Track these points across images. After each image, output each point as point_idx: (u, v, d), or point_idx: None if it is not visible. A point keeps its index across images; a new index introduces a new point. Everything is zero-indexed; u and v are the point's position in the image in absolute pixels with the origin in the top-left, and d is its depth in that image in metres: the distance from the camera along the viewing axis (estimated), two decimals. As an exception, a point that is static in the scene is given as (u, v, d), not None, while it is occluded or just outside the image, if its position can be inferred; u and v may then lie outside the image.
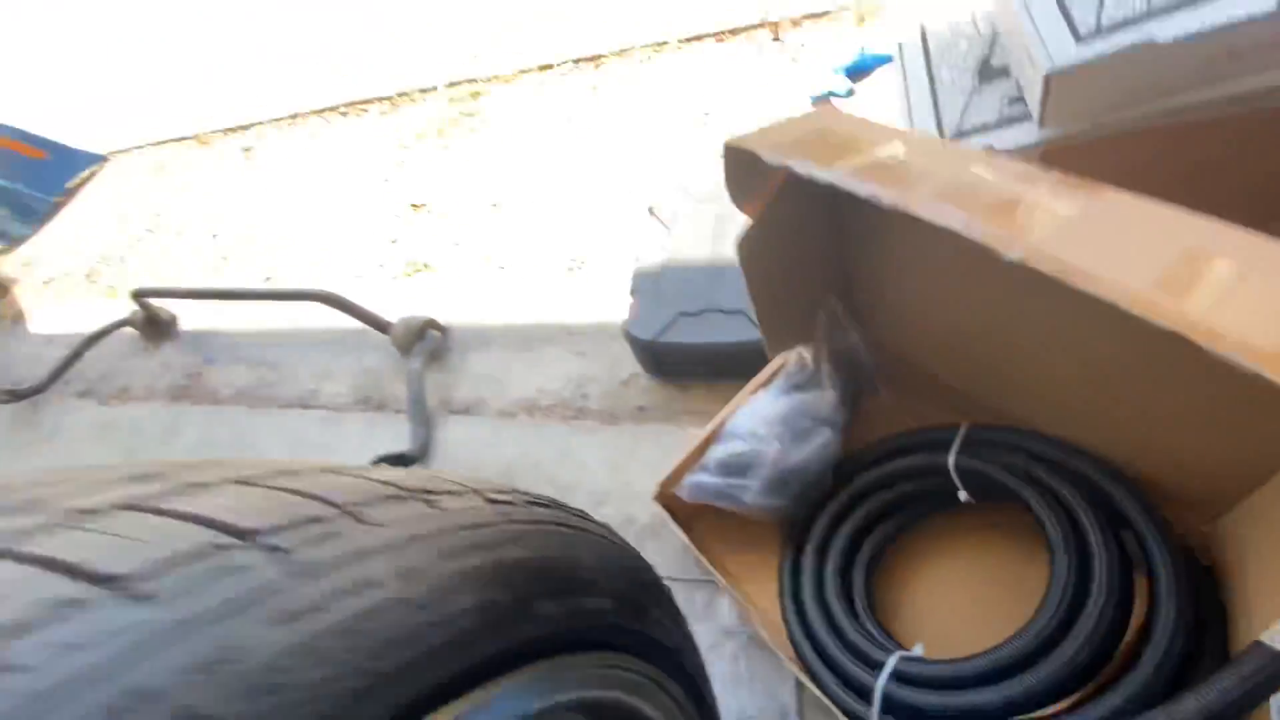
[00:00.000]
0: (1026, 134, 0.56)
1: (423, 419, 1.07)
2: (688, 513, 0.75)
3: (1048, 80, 0.50)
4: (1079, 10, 0.51)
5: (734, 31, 1.55)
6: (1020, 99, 0.57)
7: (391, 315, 1.23)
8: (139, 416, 1.38)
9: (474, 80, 1.82)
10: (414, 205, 1.57)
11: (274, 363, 1.38)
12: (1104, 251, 0.32)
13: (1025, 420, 0.62)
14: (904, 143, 0.45)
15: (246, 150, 2.08)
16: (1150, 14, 0.47)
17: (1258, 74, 0.50)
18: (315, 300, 1.23)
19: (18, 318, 1.92)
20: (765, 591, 0.71)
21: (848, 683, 0.59)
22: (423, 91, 1.88)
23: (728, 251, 0.99)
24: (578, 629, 0.34)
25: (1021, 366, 0.60)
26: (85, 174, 2.39)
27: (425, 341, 1.19)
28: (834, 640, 0.61)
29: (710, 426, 0.73)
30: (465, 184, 1.56)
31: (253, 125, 2.14)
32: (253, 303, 1.41)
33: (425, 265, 1.43)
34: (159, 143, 2.36)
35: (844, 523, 0.69)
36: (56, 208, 2.32)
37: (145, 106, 2.57)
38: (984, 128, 0.59)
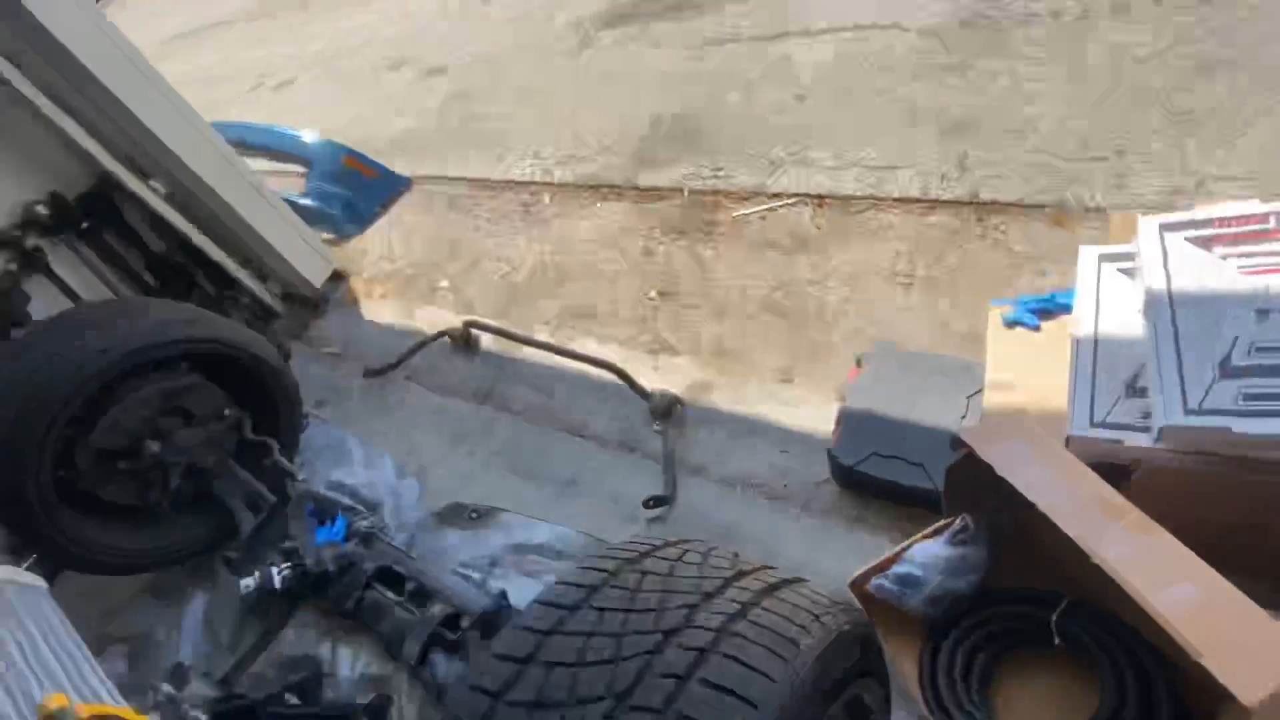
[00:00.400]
0: (1145, 441, 0.92)
1: (672, 471, 1.57)
2: (865, 598, 1.17)
3: (1162, 431, 0.86)
4: (1192, 389, 0.86)
5: (941, 203, 1.92)
6: (1149, 415, 0.93)
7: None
8: (461, 410, 2.00)
9: (715, 193, 2.31)
10: (663, 292, 2.09)
11: (552, 392, 1.94)
12: (1147, 571, 0.70)
13: (1100, 604, 0.98)
14: (1067, 473, 0.85)
15: (525, 206, 2.72)
16: (1239, 413, 0.82)
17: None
18: (604, 368, 1.77)
19: (353, 303, 2.68)
20: (909, 658, 1.12)
21: None
22: (673, 191, 2.40)
23: (916, 414, 1.41)
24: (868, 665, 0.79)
25: (1099, 583, 0.96)
26: (397, 193, 3.17)
27: (673, 413, 1.69)
28: (952, 706, 1.02)
29: (897, 549, 1.15)
30: (705, 285, 2.05)
31: (535, 184, 2.78)
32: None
33: (670, 347, 1.94)
34: (453, 179, 3.08)
35: (972, 634, 1.08)
36: (376, 216, 3.11)
37: (440, 147, 3.33)
38: (1121, 427, 0.95)
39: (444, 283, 2.56)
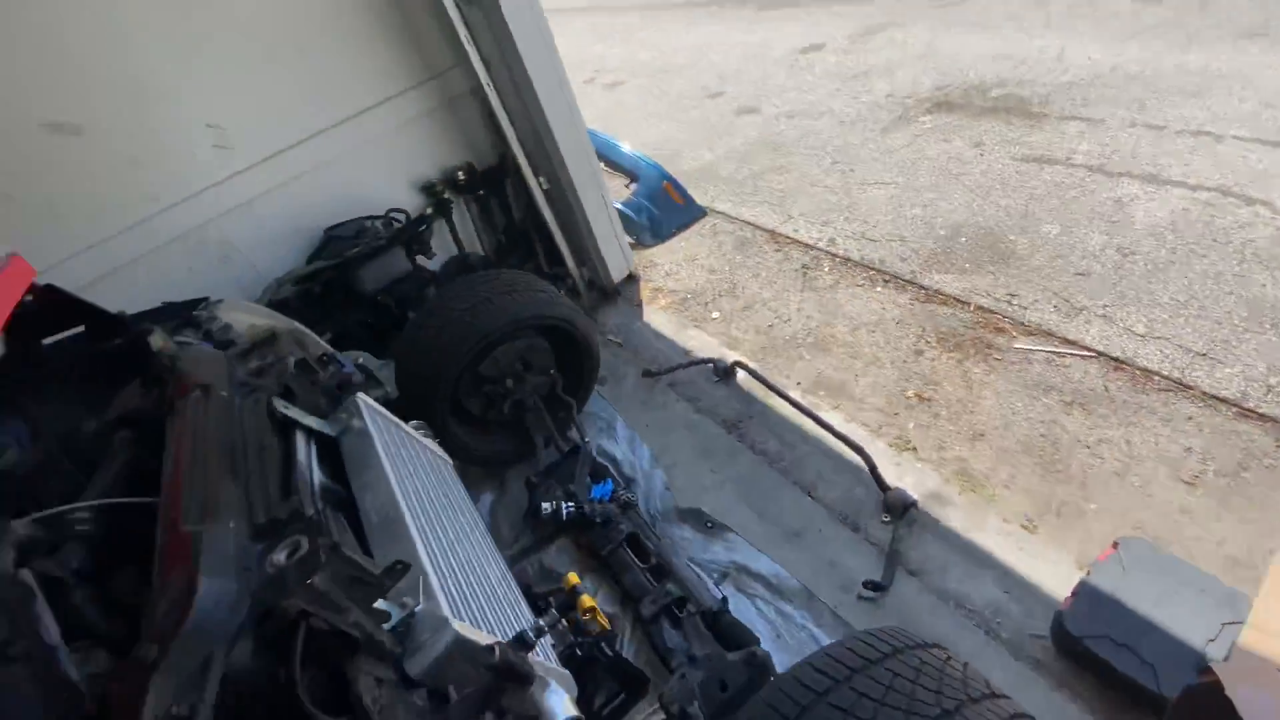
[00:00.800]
0: None
1: (892, 565, 1.77)
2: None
3: None
4: None
5: (1257, 415, 1.83)
6: None
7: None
8: (711, 431, 2.37)
9: (1003, 318, 2.39)
10: (920, 395, 2.26)
11: (793, 446, 2.22)
12: None
13: None
14: None
15: (805, 268, 3.00)
16: None
17: None
18: (852, 449, 2.01)
19: (638, 304, 3.19)
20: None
21: None
22: (959, 301, 2.52)
23: (1161, 616, 1.45)
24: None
25: None
26: (693, 221, 3.65)
27: (907, 514, 1.88)
28: None
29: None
30: (967, 403, 2.17)
31: (818, 250, 3.06)
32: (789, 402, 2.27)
33: (914, 449, 2.11)
34: (743, 222, 3.46)
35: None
36: (671, 236, 3.61)
37: (737, 189, 3.73)
38: None
39: (716, 314, 2.96)
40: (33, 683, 0.78)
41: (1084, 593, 1.53)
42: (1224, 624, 1.42)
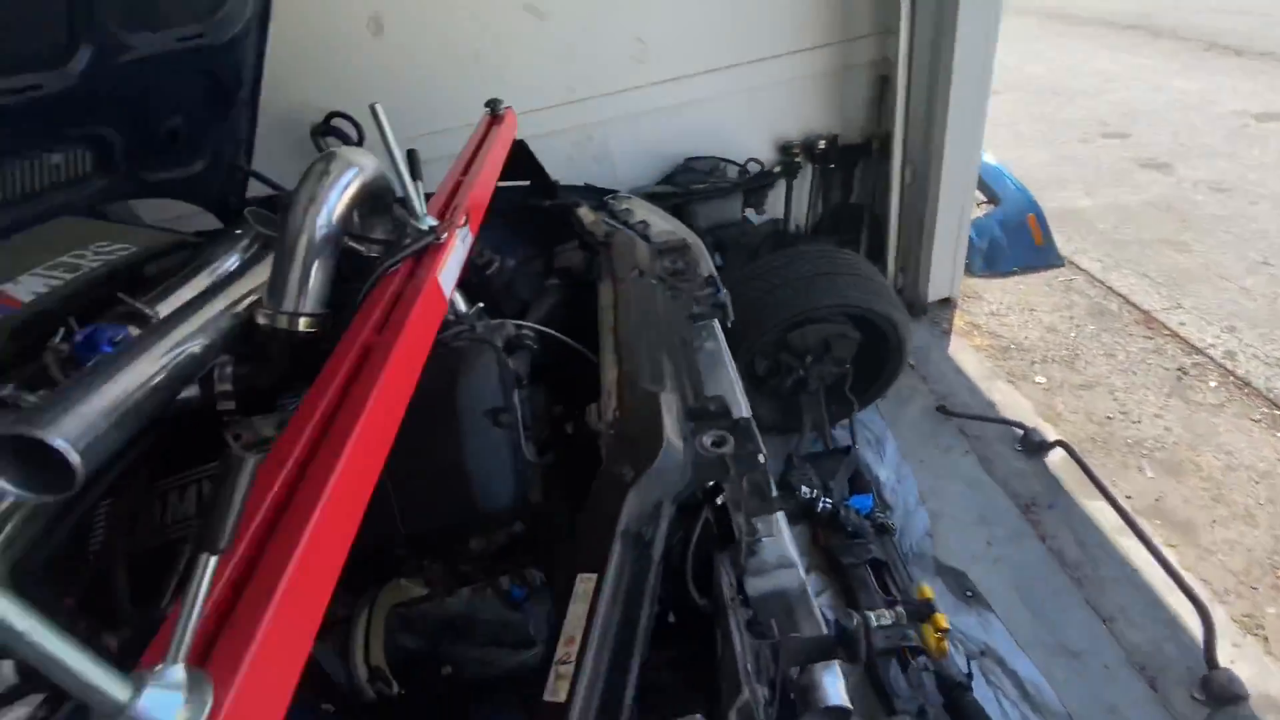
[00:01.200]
0: None
1: (1199, 755, 1.46)
2: None
3: None
4: None
5: None
6: None
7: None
8: (998, 501, 2.13)
9: None
10: (1304, 585, 1.77)
11: (1097, 562, 1.91)
12: None
13: None
14: None
15: (1181, 370, 2.48)
16: None
17: None
18: (1195, 605, 1.66)
19: (945, 332, 2.93)
20: None
21: None
22: None
23: None
24: None
25: None
26: (1043, 267, 3.21)
27: (1229, 705, 1.52)
28: None
29: None
30: None
31: (1206, 355, 2.50)
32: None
33: (1264, 633, 1.68)
34: (1111, 289, 2.95)
35: None
36: (1010, 274, 3.23)
37: (1113, 250, 3.16)
38: None
39: (1041, 379, 2.60)
40: (510, 448, 0.98)
41: None
42: None
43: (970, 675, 1.60)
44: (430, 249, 0.93)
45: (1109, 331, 2.74)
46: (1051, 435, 2.24)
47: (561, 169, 2.99)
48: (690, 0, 2.78)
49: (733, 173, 3.05)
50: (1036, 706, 1.60)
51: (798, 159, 3.13)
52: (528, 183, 1.85)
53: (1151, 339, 2.65)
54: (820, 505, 1.98)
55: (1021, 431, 2.31)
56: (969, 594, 1.86)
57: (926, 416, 2.49)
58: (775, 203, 3.23)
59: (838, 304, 2.08)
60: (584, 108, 2.97)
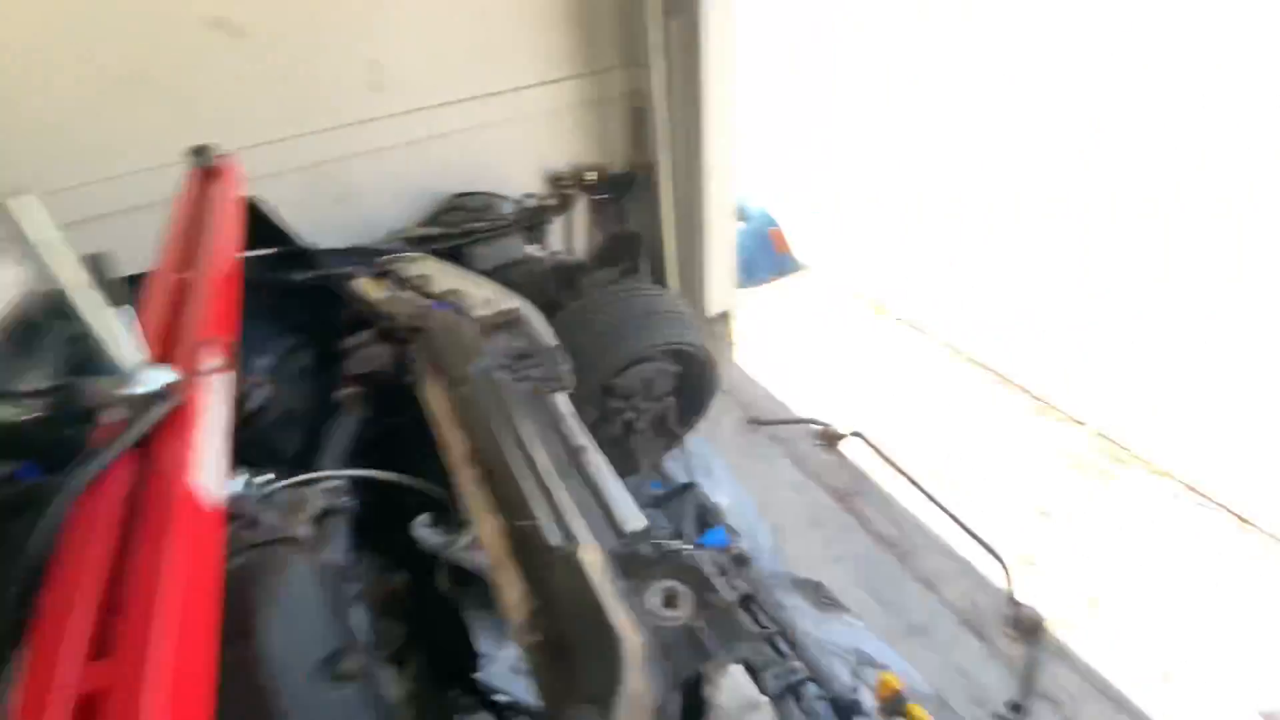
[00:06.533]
0: None
1: (1031, 689, 1.69)
2: None
3: None
4: None
5: None
6: None
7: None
8: (820, 500, 2.28)
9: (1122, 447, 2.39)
10: (1041, 511, 2.22)
11: (909, 535, 2.15)
12: None
13: None
14: None
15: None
16: None
17: None
18: (995, 558, 1.94)
19: (730, 345, 3.11)
20: None
21: None
22: (1076, 421, 2.52)
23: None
24: None
25: None
26: (787, 274, 3.62)
27: (1034, 634, 1.81)
28: None
29: None
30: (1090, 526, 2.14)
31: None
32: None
33: (1032, 561, 2.05)
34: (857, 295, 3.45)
35: None
36: (761, 283, 3.57)
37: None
38: None
39: (815, 373, 2.90)
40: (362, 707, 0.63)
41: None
42: None
43: (855, 689, 1.64)
44: (167, 420, 0.53)
45: (854, 321, 3.19)
46: (845, 426, 2.48)
47: (294, 215, 2.43)
48: (429, 23, 2.47)
49: (508, 208, 2.82)
50: (918, 699, 1.70)
51: (570, 191, 3.03)
52: (270, 250, 1.39)
53: (893, 327, 3.15)
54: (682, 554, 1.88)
55: (819, 427, 2.52)
56: (826, 601, 1.93)
57: (739, 430, 2.58)
58: (554, 237, 3.10)
59: (663, 343, 2.01)
60: (313, 142, 2.44)
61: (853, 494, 2.30)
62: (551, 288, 2.61)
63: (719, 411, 2.69)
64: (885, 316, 3.21)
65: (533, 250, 2.94)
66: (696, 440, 2.50)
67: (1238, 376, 2.51)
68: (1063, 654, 1.80)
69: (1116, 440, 2.42)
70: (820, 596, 1.95)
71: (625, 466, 2.26)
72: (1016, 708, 1.64)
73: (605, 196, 3.09)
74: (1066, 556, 2.07)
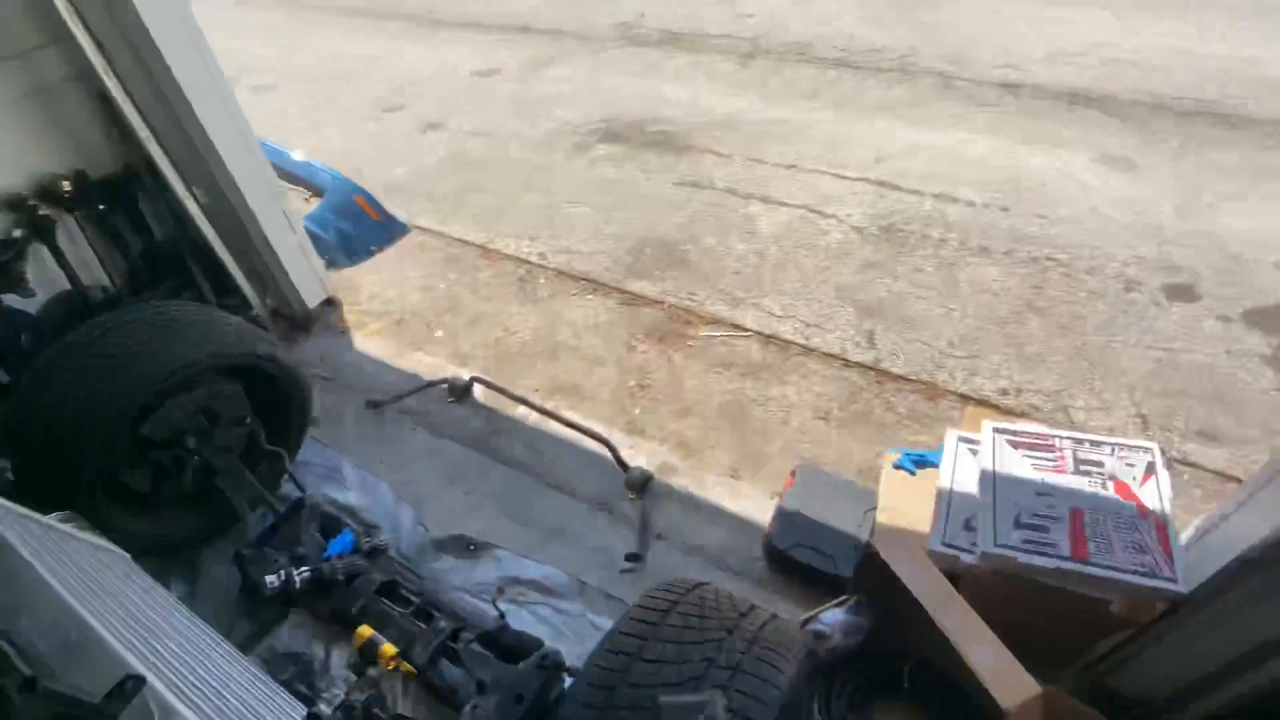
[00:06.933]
0: (971, 559, 1.52)
1: (646, 536, 1.99)
2: (786, 644, 1.65)
3: (980, 554, 1.46)
4: (1000, 533, 1.47)
5: (853, 364, 2.60)
6: (975, 544, 1.53)
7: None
8: (456, 454, 2.30)
9: (689, 312, 2.87)
10: (641, 384, 2.57)
11: (541, 452, 2.31)
12: (965, 636, 1.26)
13: (934, 662, 1.53)
14: (928, 574, 1.41)
15: (521, 281, 3.12)
16: (1021, 550, 1.43)
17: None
18: (595, 439, 2.19)
19: (345, 330, 2.89)
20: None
21: None
22: (655, 302, 2.94)
23: (830, 519, 1.95)
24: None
25: (934, 647, 1.53)
26: (393, 239, 3.45)
27: (647, 487, 2.14)
28: (839, 722, 1.51)
29: (812, 613, 1.65)
30: (675, 385, 2.56)
31: (531, 264, 3.21)
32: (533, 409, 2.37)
33: (643, 431, 2.40)
34: (452, 239, 3.43)
35: (855, 678, 1.59)
36: (370, 255, 3.35)
37: (438, 206, 3.68)
38: (958, 548, 1.54)
39: (439, 333, 2.87)
40: None
41: (779, 515, 1.98)
42: (865, 512, 1.99)
43: (502, 615, 1.74)
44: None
45: (466, 273, 3.20)
46: (466, 375, 2.52)
47: None
48: None
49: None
50: (555, 591, 1.88)
51: (43, 212, 2.35)
52: None
53: (493, 266, 3.23)
54: (297, 581, 1.72)
55: (446, 385, 2.52)
56: (471, 547, 1.99)
57: (364, 418, 2.44)
58: (52, 274, 2.39)
59: (176, 369, 1.70)
60: None
61: (489, 435, 2.38)
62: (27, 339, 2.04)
63: (340, 406, 2.50)
64: (491, 258, 3.29)
65: (13, 298, 2.25)
66: (314, 449, 2.29)
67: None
68: (670, 495, 2.16)
69: (684, 307, 2.91)
70: (465, 545, 2.01)
71: (224, 521, 1.98)
72: (633, 556, 1.93)
73: (101, 209, 2.48)
74: (663, 416, 2.45)
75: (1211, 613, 1.29)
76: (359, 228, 3.35)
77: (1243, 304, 2.62)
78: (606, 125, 4.40)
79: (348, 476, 2.22)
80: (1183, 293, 2.71)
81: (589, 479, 2.21)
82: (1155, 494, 1.48)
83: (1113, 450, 1.57)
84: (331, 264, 3.23)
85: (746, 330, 2.78)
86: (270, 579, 1.70)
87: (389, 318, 2.96)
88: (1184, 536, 1.46)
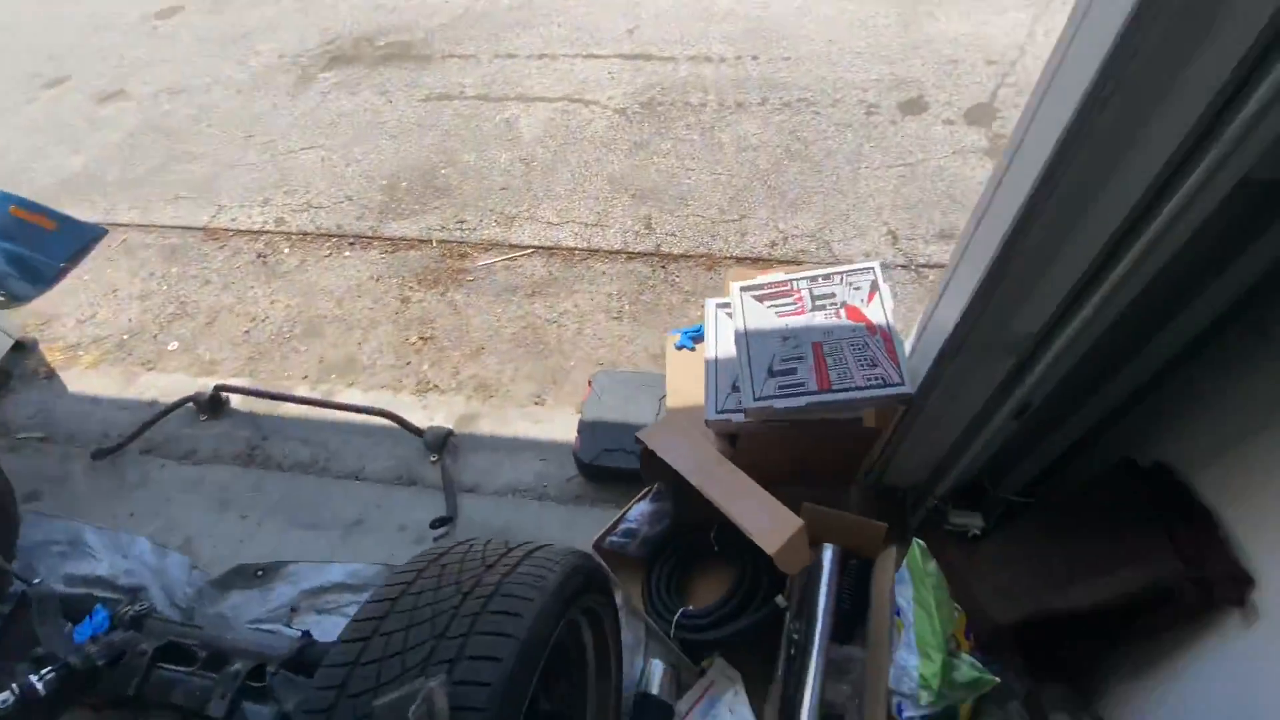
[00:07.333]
0: (741, 418, 1.55)
1: (453, 495, 1.87)
2: (604, 553, 1.64)
3: (745, 410, 1.49)
4: (757, 386, 1.50)
5: (637, 254, 2.53)
6: (741, 404, 1.56)
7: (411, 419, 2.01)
8: (222, 476, 2.00)
9: (461, 244, 2.63)
10: (423, 337, 2.35)
11: (324, 444, 2.07)
12: (729, 495, 1.28)
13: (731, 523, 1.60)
14: (696, 448, 1.41)
15: (262, 256, 2.69)
16: (778, 396, 1.47)
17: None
18: (377, 415, 1.98)
19: (50, 374, 2.36)
20: (635, 588, 1.62)
21: (664, 620, 1.51)
22: (421, 241, 2.65)
23: (630, 416, 1.93)
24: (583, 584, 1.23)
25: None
26: (87, 247, 2.80)
27: (447, 445, 1.99)
28: (661, 604, 1.54)
29: (619, 514, 1.64)
30: (461, 327, 2.36)
31: (269, 233, 2.75)
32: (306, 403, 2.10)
33: (435, 385, 2.21)
34: (165, 227, 2.86)
35: (670, 558, 1.63)
36: (63, 272, 2.70)
37: (138, 190, 3.03)
38: (730, 411, 1.57)
39: (173, 344, 2.42)
40: None
41: (581, 429, 1.93)
42: (659, 399, 1.99)
43: (306, 632, 1.57)
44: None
45: (191, 265, 2.70)
46: (211, 384, 2.16)
47: None
48: None
49: None
50: (363, 587, 1.73)
51: None
52: None
53: (224, 247, 2.74)
54: (40, 687, 1.43)
55: (192, 404, 2.15)
56: (259, 573, 1.77)
57: (99, 472, 2.04)
58: None
59: None
60: None
61: (257, 445, 2.08)
62: None
63: (62, 471, 2.07)
64: (220, 238, 2.79)
65: None
66: (43, 525, 1.90)
67: (509, 134, 2.91)
68: (475, 444, 2.03)
69: (454, 240, 2.65)
70: (254, 574, 1.78)
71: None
72: (442, 520, 1.81)
73: None
74: (454, 364, 2.27)
75: (933, 402, 1.40)
76: (34, 245, 2.67)
77: (962, 105, 2.81)
78: (330, 47, 3.78)
79: (92, 544, 1.87)
80: (914, 106, 2.85)
81: (381, 456, 2.02)
82: (880, 309, 1.55)
83: (841, 278, 1.63)
84: (13, 298, 2.59)
85: (526, 248, 2.60)
86: (2, 697, 1.40)
87: (105, 344, 2.45)
88: (911, 340, 1.57)
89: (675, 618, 1.51)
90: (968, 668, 1.21)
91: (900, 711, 1.28)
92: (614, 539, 1.63)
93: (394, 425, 2.04)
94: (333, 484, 1.98)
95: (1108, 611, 1.22)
